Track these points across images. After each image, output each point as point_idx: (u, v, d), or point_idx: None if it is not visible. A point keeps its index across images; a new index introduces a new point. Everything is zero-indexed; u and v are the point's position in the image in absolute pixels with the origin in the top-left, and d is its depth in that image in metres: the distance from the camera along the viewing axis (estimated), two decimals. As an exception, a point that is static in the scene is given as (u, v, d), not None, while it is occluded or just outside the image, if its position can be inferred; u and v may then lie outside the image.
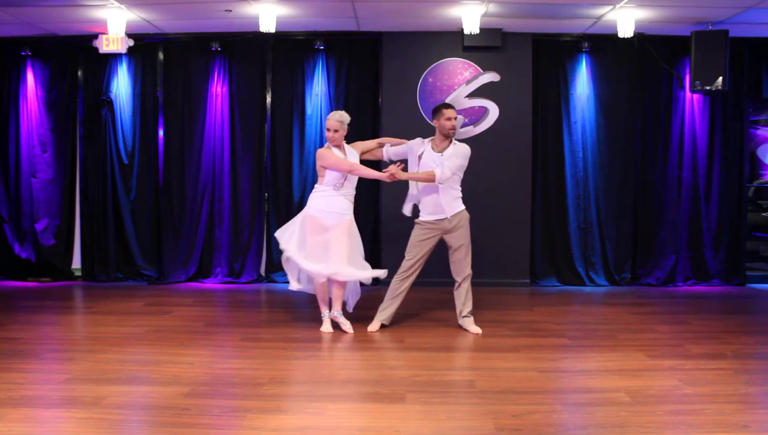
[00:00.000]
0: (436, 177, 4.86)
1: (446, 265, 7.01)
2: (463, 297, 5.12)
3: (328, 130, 5.03)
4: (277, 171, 7.26)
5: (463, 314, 5.11)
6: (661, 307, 6.20)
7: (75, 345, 4.72)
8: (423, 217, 5.10)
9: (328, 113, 7.09)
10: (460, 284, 5.12)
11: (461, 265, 5.09)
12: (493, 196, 7.00)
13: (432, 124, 5.18)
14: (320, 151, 5.05)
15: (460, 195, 5.09)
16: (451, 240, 5.08)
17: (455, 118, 5.01)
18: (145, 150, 7.28)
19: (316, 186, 5.11)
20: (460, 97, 7.00)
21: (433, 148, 5.03)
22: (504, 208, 7.02)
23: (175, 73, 7.23)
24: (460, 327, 5.13)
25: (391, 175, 4.87)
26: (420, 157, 5.03)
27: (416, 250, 5.10)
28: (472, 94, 7.01)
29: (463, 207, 5.09)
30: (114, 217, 7.27)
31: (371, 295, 6.32)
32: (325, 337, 4.91)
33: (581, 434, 3.08)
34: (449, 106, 5.06)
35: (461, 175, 5.07)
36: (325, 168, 4.98)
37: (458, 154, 4.97)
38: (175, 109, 7.24)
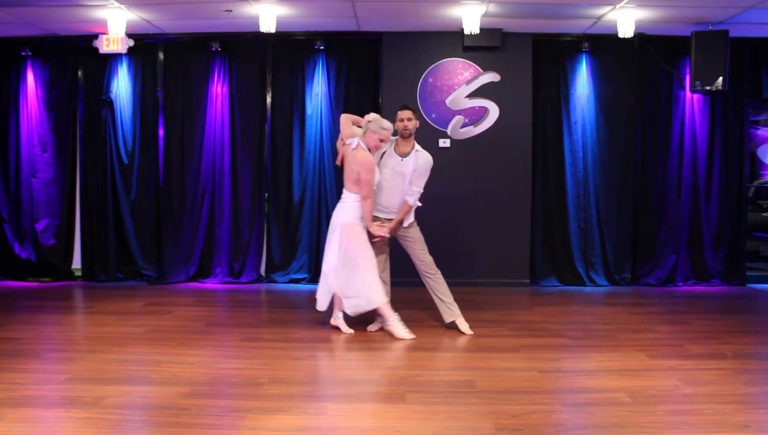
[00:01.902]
0: (412, 205, 4.97)
1: (447, 265, 7.01)
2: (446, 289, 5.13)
3: (382, 141, 4.85)
4: (277, 171, 7.26)
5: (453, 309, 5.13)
6: (661, 307, 6.20)
7: (75, 345, 4.71)
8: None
9: (329, 113, 7.14)
10: (435, 277, 5.09)
11: (427, 257, 5.10)
12: (493, 196, 7.00)
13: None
14: (370, 160, 4.78)
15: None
16: (407, 238, 5.08)
17: (408, 120, 4.96)
18: (145, 150, 7.28)
19: (353, 195, 4.90)
20: (460, 97, 7.00)
21: (395, 149, 5.04)
22: (504, 208, 7.01)
23: (175, 73, 7.23)
24: (450, 326, 5.12)
25: (378, 235, 4.85)
26: (381, 156, 5.04)
27: (376, 251, 5.05)
28: (472, 94, 7.01)
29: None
30: (114, 217, 7.26)
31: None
32: (326, 338, 4.90)
33: (581, 434, 3.08)
34: (405, 107, 5.07)
35: None
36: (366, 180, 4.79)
37: (423, 172, 4.99)
38: (175, 109, 7.24)
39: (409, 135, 5.00)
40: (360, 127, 4.98)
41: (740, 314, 5.99)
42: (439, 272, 5.13)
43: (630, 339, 4.86)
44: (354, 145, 4.85)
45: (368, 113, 5.01)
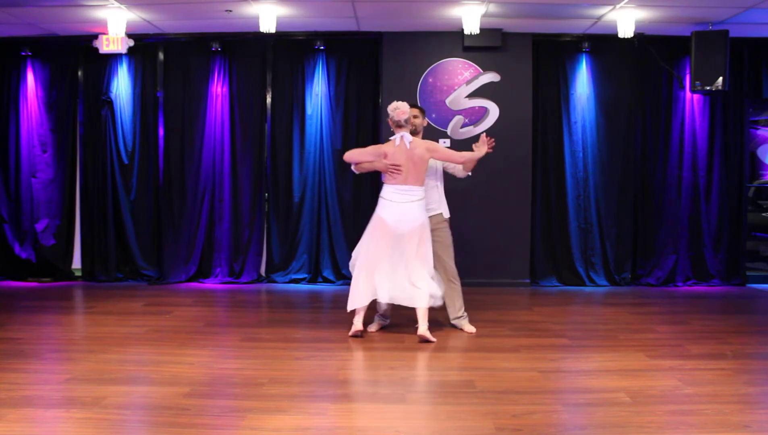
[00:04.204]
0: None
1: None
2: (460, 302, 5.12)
3: (416, 117, 4.96)
4: (277, 171, 7.26)
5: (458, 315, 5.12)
6: (661, 307, 6.20)
7: (75, 345, 4.71)
8: None
9: (329, 113, 7.14)
10: (453, 286, 5.07)
11: (451, 265, 5.06)
12: (493, 196, 7.00)
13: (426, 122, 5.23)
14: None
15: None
16: (436, 241, 4.98)
17: (415, 117, 5.02)
18: (145, 150, 7.28)
19: (420, 190, 4.84)
20: (460, 97, 7.00)
21: None
22: (504, 208, 7.01)
23: (175, 73, 7.23)
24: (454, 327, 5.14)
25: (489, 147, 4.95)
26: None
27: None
28: (472, 94, 7.01)
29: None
30: (114, 217, 7.26)
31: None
32: (326, 338, 4.90)
33: (581, 434, 3.08)
34: (412, 105, 5.09)
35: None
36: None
37: (441, 148, 5.14)
38: (175, 109, 7.24)
39: (416, 132, 5.02)
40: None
41: (740, 314, 5.99)
42: (459, 282, 5.08)
43: (630, 339, 4.86)
44: (409, 140, 4.79)
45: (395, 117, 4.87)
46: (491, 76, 7.00)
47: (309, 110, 7.18)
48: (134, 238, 7.30)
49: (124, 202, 7.27)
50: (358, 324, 4.81)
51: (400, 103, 4.89)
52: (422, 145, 4.83)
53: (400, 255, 4.76)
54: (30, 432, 3.07)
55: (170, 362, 4.19)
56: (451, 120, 7.00)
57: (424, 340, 4.71)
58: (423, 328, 4.72)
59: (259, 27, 6.25)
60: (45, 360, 4.29)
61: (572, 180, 7.20)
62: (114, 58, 7.11)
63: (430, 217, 4.93)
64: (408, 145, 4.78)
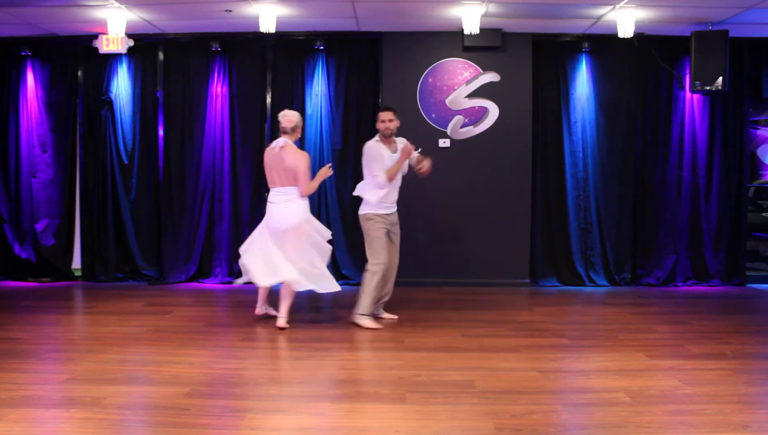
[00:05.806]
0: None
1: (447, 265, 7.02)
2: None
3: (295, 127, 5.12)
4: (277, 171, 7.25)
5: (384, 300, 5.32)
6: (661, 307, 6.20)
7: (75, 345, 4.71)
8: (380, 211, 5.19)
9: (328, 113, 7.14)
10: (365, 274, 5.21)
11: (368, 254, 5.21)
12: (493, 196, 7.00)
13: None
14: (304, 153, 5.14)
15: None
16: (393, 234, 5.27)
17: (390, 120, 5.16)
18: (145, 150, 7.28)
19: (293, 189, 5.07)
20: (460, 97, 7.00)
21: (388, 148, 5.22)
22: (504, 208, 7.01)
23: (175, 73, 7.23)
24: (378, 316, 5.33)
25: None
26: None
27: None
28: (472, 94, 7.01)
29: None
30: (114, 217, 7.26)
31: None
32: (326, 338, 4.90)
33: (581, 434, 3.08)
34: (386, 108, 5.27)
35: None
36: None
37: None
38: (175, 109, 7.24)
39: (391, 134, 5.21)
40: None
41: (740, 314, 5.99)
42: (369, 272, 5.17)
43: (630, 339, 4.86)
44: (281, 145, 5.06)
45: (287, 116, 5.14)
46: (491, 76, 7.00)
47: (309, 110, 7.18)
48: (134, 238, 7.30)
49: (124, 202, 7.27)
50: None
51: (287, 111, 5.19)
52: (294, 153, 5.03)
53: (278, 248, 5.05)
54: (30, 432, 3.07)
55: (170, 362, 4.19)
56: (451, 120, 7.00)
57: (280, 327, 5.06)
58: (280, 318, 5.10)
59: (259, 27, 6.26)
60: (45, 360, 4.29)
61: (572, 180, 7.20)
62: (114, 58, 7.11)
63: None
64: (276, 151, 5.06)
